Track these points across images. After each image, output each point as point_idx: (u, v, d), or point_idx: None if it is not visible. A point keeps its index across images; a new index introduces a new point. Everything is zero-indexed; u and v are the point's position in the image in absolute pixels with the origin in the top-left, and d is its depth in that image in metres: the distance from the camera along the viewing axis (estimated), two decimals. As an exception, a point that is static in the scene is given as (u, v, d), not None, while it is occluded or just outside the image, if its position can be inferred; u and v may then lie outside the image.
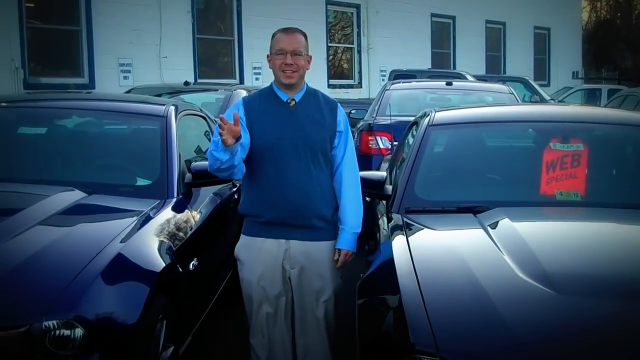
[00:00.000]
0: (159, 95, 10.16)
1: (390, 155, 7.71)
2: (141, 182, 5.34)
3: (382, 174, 5.40)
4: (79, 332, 3.54)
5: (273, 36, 4.48)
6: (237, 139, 4.10)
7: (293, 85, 4.43)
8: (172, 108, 5.82)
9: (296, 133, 4.40)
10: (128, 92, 12.32)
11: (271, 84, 4.56)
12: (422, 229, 4.49)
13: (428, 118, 5.57)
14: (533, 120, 5.72)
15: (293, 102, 4.46)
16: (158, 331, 4.13)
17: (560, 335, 3.21)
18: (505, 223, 4.25)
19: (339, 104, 4.61)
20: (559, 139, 5.08)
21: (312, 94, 4.55)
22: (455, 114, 6.10)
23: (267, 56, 4.49)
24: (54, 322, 3.51)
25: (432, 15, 26.90)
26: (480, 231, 4.20)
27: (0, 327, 3.48)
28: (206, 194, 5.72)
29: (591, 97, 25.56)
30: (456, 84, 12.33)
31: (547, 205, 4.86)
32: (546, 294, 3.40)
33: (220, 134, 4.03)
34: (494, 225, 4.24)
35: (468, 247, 4.04)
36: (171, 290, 4.35)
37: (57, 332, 3.51)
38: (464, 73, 19.01)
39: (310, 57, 4.51)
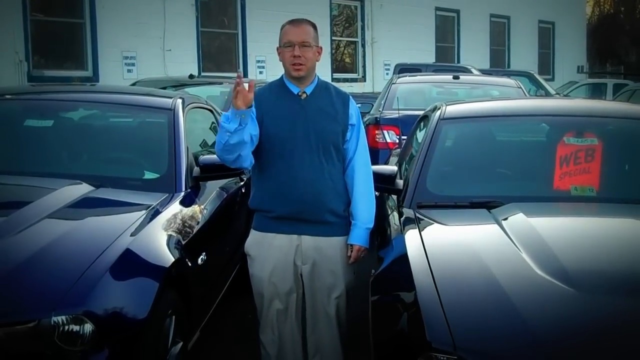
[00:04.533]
0: (164, 89, 10.10)
1: (399, 150, 7.65)
2: (149, 175, 5.29)
3: (392, 168, 5.34)
4: (88, 327, 3.50)
5: (281, 28, 4.41)
6: (247, 113, 4.06)
7: (303, 77, 4.37)
8: (180, 101, 5.77)
9: (308, 126, 4.33)
10: (133, 85, 12.29)
11: (281, 76, 4.49)
12: (435, 224, 4.42)
13: (439, 111, 5.51)
14: (547, 114, 5.65)
15: (304, 95, 4.39)
16: (167, 326, 4.08)
17: (581, 333, 3.15)
18: (520, 218, 4.19)
19: (350, 97, 4.55)
20: (572, 133, 5.02)
21: (324, 87, 4.49)
22: (467, 108, 6.04)
23: (277, 49, 4.41)
24: (63, 317, 3.46)
25: (437, 8, 26.87)
26: (495, 227, 4.14)
27: (9, 322, 3.44)
28: (213, 188, 5.67)
29: (596, 92, 25.49)
30: (463, 77, 12.27)
31: (562, 201, 4.79)
32: (565, 291, 3.34)
33: (234, 92, 4.00)
34: (509, 221, 4.17)
35: (483, 243, 3.98)
36: (180, 285, 4.30)
37: (66, 327, 3.47)
38: (469, 67, 18.96)
39: (321, 48, 4.44)
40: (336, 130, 4.39)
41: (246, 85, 4.07)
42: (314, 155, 4.33)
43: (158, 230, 4.39)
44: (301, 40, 4.31)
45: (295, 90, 4.40)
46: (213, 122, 6.73)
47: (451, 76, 12.04)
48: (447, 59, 26.89)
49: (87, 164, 5.51)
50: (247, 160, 4.30)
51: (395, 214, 4.85)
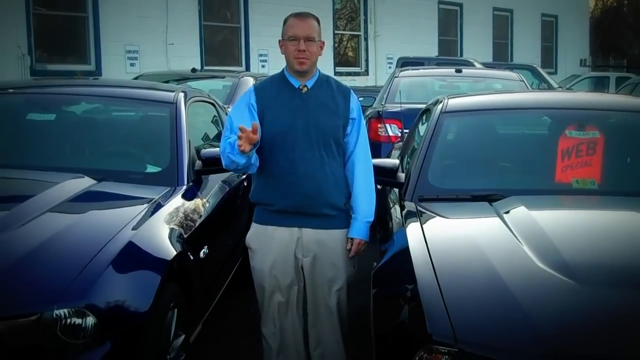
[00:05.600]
0: (167, 82, 10.11)
1: (401, 143, 7.64)
2: (151, 169, 5.29)
3: (394, 161, 5.34)
4: (90, 320, 3.50)
5: (285, 21, 4.40)
6: (254, 145, 4.05)
7: (305, 71, 4.37)
8: (182, 94, 5.77)
9: (308, 120, 4.33)
10: (135, 79, 12.30)
11: (282, 70, 4.48)
12: (437, 217, 4.42)
13: (441, 105, 5.51)
14: (549, 107, 5.65)
15: (305, 89, 4.39)
16: (169, 320, 4.09)
17: (582, 326, 3.15)
18: (521, 211, 4.19)
19: (352, 91, 4.55)
20: (574, 126, 5.02)
21: (325, 81, 4.48)
22: (469, 101, 6.03)
23: (279, 41, 4.41)
24: (65, 310, 3.46)
25: (439, 2, 26.85)
26: (497, 219, 4.14)
27: (12, 315, 3.44)
28: (215, 182, 5.67)
29: (599, 85, 25.46)
30: (466, 71, 12.26)
31: (563, 194, 4.80)
32: (567, 284, 3.34)
33: (239, 140, 3.97)
34: (510, 214, 4.18)
35: (485, 236, 3.98)
36: (182, 278, 4.31)
37: (69, 320, 3.47)
38: (472, 60, 18.93)
39: (323, 42, 4.45)
40: (337, 124, 4.39)
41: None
42: (315, 149, 4.33)
43: (160, 224, 4.40)
44: (306, 35, 4.31)
45: (296, 84, 4.40)
46: (215, 116, 6.73)
47: (454, 69, 12.03)
48: (450, 52, 26.85)
49: (89, 157, 5.50)
50: (254, 168, 4.33)
51: (397, 207, 4.85)
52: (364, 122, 4.60)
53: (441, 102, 5.61)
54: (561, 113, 5.42)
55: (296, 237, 4.40)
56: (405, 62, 18.09)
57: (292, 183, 4.32)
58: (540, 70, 21.50)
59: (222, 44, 20.37)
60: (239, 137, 3.98)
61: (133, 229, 4.13)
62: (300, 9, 4.86)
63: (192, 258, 4.50)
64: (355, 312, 4.61)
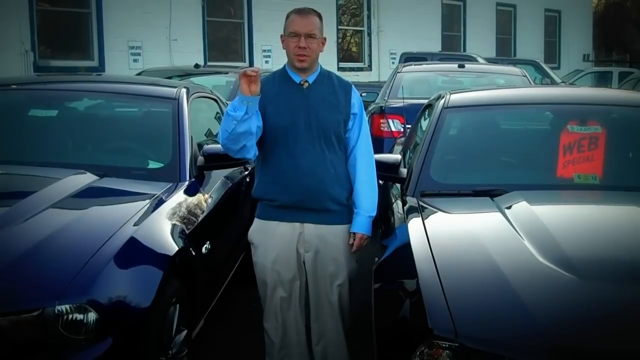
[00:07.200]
0: (170, 78, 10.10)
1: (403, 138, 7.65)
2: (153, 165, 5.29)
3: (396, 156, 5.34)
4: (92, 316, 3.51)
5: (287, 16, 4.40)
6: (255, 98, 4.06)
7: (306, 68, 4.36)
8: (184, 90, 5.77)
9: (309, 115, 4.33)
10: (138, 74, 12.30)
11: (284, 65, 4.49)
12: (439, 212, 4.42)
13: (443, 100, 5.50)
14: (550, 102, 5.65)
15: (306, 84, 4.39)
16: (171, 315, 4.10)
17: (582, 321, 3.15)
18: (523, 206, 4.19)
19: (353, 86, 4.55)
20: (576, 122, 5.02)
21: (326, 76, 4.48)
22: (471, 96, 6.02)
23: (281, 37, 4.41)
24: (67, 306, 3.47)
25: (443, -3, 26.82)
26: (498, 215, 4.14)
27: (13, 311, 3.45)
28: (218, 177, 5.68)
29: (602, 80, 25.45)
30: (468, 66, 12.27)
31: (565, 189, 4.80)
32: (568, 279, 3.34)
33: (240, 78, 4.00)
34: (511, 209, 4.18)
35: (486, 231, 3.98)
36: (184, 274, 4.32)
37: (70, 316, 3.48)
38: (475, 55, 18.93)
39: (325, 39, 4.44)
40: (338, 119, 4.39)
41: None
42: (316, 144, 4.33)
43: (162, 220, 4.40)
44: (307, 32, 4.30)
45: (297, 79, 4.39)
46: (218, 112, 6.73)
47: (456, 65, 12.03)
48: (453, 47, 26.83)
49: (92, 153, 5.51)
50: (252, 152, 4.30)
51: (399, 202, 4.85)
52: (365, 117, 4.60)
53: (443, 97, 5.61)
54: (563, 108, 5.42)
55: (298, 232, 4.41)
56: (409, 58, 18.08)
57: (293, 178, 4.32)
58: (543, 65, 21.50)
59: (226, 40, 20.37)
60: (242, 74, 4.00)
61: (135, 225, 4.14)
62: (303, 4, 4.87)
63: (194, 254, 4.50)
64: (357, 307, 4.61)
